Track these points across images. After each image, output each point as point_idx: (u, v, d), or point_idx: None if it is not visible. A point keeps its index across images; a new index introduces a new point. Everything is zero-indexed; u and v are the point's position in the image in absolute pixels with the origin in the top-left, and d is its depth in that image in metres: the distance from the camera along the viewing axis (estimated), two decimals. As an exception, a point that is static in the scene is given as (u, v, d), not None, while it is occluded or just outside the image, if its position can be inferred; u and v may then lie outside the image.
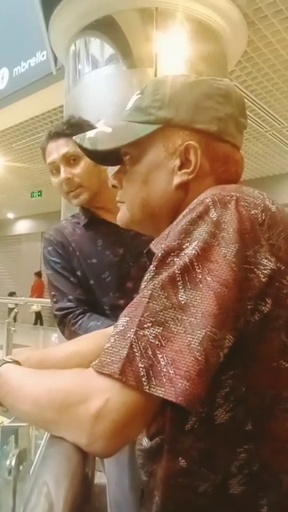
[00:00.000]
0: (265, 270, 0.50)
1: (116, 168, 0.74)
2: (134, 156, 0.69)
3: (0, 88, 4.29)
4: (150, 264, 0.53)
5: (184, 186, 0.66)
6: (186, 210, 0.56)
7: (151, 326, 0.47)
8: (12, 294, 10.84)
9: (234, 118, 0.67)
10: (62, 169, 1.22)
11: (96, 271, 1.23)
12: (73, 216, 1.36)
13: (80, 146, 0.72)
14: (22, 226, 13.02)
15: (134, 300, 0.51)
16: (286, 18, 3.10)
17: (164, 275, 0.50)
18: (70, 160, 1.21)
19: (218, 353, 0.47)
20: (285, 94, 4.33)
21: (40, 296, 10.24)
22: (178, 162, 0.65)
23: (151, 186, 0.68)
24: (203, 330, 0.46)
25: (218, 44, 2.84)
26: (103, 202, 1.25)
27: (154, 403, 0.47)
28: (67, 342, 1.05)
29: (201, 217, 0.53)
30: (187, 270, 0.49)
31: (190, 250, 0.50)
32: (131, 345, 0.47)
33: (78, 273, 1.24)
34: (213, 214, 0.52)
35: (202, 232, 0.51)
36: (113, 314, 1.19)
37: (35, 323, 10.66)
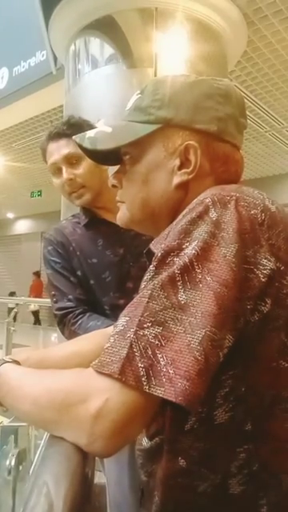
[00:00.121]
0: (264, 270, 0.50)
1: (116, 168, 0.74)
2: (134, 156, 0.69)
3: (0, 88, 4.29)
4: (150, 264, 0.53)
5: (184, 186, 0.66)
6: (186, 210, 0.56)
7: (151, 326, 0.47)
8: (12, 294, 10.84)
9: (234, 118, 0.67)
10: (64, 169, 1.22)
11: (96, 271, 1.23)
12: (73, 216, 1.36)
13: (80, 146, 0.72)
14: (22, 226, 13.02)
15: (134, 300, 0.51)
16: (286, 18, 3.11)
17: (164, 275, 0.50)
18: (71, 160, 1.21)
19: (217, 353, 0.47)
20: (285, 94, 4.33)
21: (38, 296, 10.24)
22: (177, 162, 0.65)
23: (151, 185, 0.68)
24: (203, 330, 0.46)
25: (218, 44, 2.84)
26: (104, 201, 1.25)
27: (154, 403, 0.47)
28: (67, 342, 1.05)
29: (200, 217, 0.53)
30: (187, 270, 0.49)
31: (190, 249, 0.50)
32: (131, 345, 0.47)
33: (78, 272, 1.24)
34: (212, 214, 0.52)
35: (201, 232, 0.51)
36: (113, 313, 1.19)
37: (35, 323, 10.67)
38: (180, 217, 0.56)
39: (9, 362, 0.69)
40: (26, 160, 6.99)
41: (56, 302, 1.23)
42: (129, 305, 0.51)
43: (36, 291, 10.85)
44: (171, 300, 0.48)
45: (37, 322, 10.44)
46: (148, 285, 0.51)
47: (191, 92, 0.66)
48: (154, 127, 0.66)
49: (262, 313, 0.50)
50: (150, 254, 0.59)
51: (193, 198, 0.59)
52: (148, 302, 0.49)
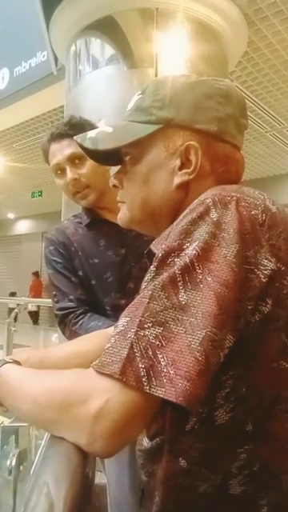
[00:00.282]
0: (265, 270, 0.50)
1: (117, 168, 0.74)
2: (135, 156, 0.69)
3: (0, 88, 4.29)
4: (151, 264, 0.53)
5: (184, 186, 0.66)
6: (187, 211, 0.56)
7: (152, 327, 0.47)
8: (13, 295, 10.85)
9: (235, 118, 0.67)
10: (68, 170, 1.21)
11: (98, 271, 1.23)
12: (75, 216, 1.36)
13: (81, 146, 0.72)
14: (23, 226, 13.02)
15: (135, 300, 0.51)
16: (287, 18, 3.10)
17: (164, 275, 0.50)
18: (75, 160, 1.21)
19: (218, 353, 0.47)
20: (285, 94, 4.33)
21: (36, 296, 10.25)
22: (178, 162, 0.65)
23: (151, 185, 0.68)
24: (203, 331, 0.46)
25: (219, 44, 2.84)
26: (106, 202, 1.25)
27: (154, 403, 0.47)
28: (67, 342, 1.05)
29: (201, 217, 0.53)
30: (188, 271, 0.49)
31: (191, 250, 0.50)
32: (132, 345, 0.47)
33: (80, 273, 1.24)
34: (213, 215, 0.52)
35: (202, 232, 0.51)
36: (114, 314, 1.19)
37: (35, 323, 10.68)
38: (181, 217, 0.56)
39: (9, 362, 0.69)
40: (27, 160, 6.99)
41: (57, 302, 1.23)
42: (129, 305, 0.51)
43: (35, 291, 10.87)
44: (172, 300, 0.48)
45: (34, 322, 10.44)
46: (149, 285, 0.51)
47: (192, 92, 0.66)
48: (154, 127, 0.66)
49: (262, 313, 0.50)
50: (151, 254, 0.59)
51: (193, 198, 0.59)
52: (149, 303, 0.49)
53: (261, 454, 0.53)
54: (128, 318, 0.49)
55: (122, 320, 0.50)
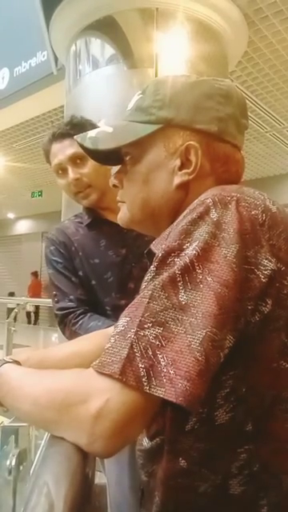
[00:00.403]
0: (265, 270, 0.50)
1: (118, 168, 0.74)
2: (135, 156, 0.69)
3: (1, 88, 4.29)
4: (151, 264, 0.53)
5: (184, 186, 0.66)
6: (187, 211, 0.56)
7: (151, 327, 0.47)
8: (12, 295, 10.85)
9: (235, 118, 0.67)
10: (70, 169, 1.22)
11: (98, 271, 1.23)
12: (75, 216, 1.36)
13: (81, 146, 0.72)
14: (23, 226, 13.03)
15: (135, 300, 0.51)
16: (287, 18, 3.11)
17: (164, 275, 0.50)
18: (76, 160, 1.21)
19: (218, 353, 0.47)
20: (285, 94, 4.33)
21: (34, 296, 10.25)
22: (178, 162, 0.65)
23: (151, 185, 0.68)
24: (203, 331, 0.46)
25: (219, 44, 2.84)
26: (108, 202, 1.25)
27: (154, 403, 0.47)
28: (67, 342, 1.05)
29: (201, 217, 0.53)
30: (188, 271, 0.49)
31: (191, 250, 0.50)
32: (131, 345, 0.47)
33: (80, 273, 1.24)
34: (213, 215, 0.52)
35: (202, 232, 0.51)
36: (114, 314, 1.19)
37: (35, 323, 10.68)
38: (181, 217, 0.56)
39: (9, 362, 0.69)
40: (27, 160, 6.99)
41: (57, 302, 1.23)
42: (129, 305, 0.51)
43: (33, 291, 10.88)
44: (172, 300, 0.48)
45: (29, 322, 10.42)
46: (149, 285, 0.51)
47: (192, 92, 0.66)
48: (154, 127, 0.66)
49: (262, 313, 0.50)
50: (151, 254, 0.59)
51: (193, 198, 0.59)
52: (149, 303, 0.49)
53: (261, 454, 0.53)
54: (128, 318, 0.49)
55: (122, 320, 0.50)
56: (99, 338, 0.89)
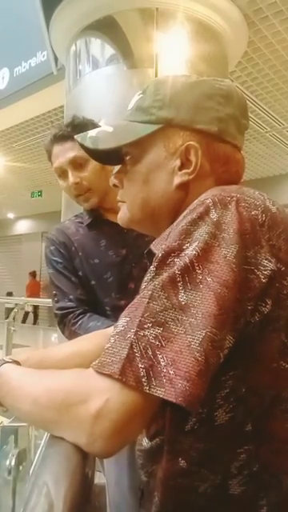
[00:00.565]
0: (265, 270, 0.50)
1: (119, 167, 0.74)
2: (135, 156, 0.69)
3: (0, 88, 4.29)
4: (151, 264, 0.53)
5: (184, 187, 0.66)
6: (187, 211, 0.56)
7: (151, 327, 0.47)
8: (10, 294, 10.85)
9: (235, 118, 0.67)
10: (70, 173, 1.22)
11: (98, 271, 1.23)
12: (76, 216, 1.36)
13: (81, 145, 0.72)
14: (22, 226, 13.03)
15: (135, 300, 0.51)
16: (287, 18, 3.11)
17: (164, 276, 0.50)
18: (77, 164, 1.21)
19: (218, 353, 0.47)
20: (285, 94, 4.33)
21: (32, 296, 10.26)
22: (178, 163, 0.65)
23: (151, 185, 0.68)
24: (203, 331, 0.46)
25: (219, 44, 2.84)
26: (111, 202, 1.25)
27: (154, 403, 0.47)
28: (67, 342, 1.05)
29: (201, 217, 0.53)
30: (187, 271, 0.49)
31: (191, 250, 0.50)
32: (131, 345, 0.47)
33: (80, 273, 1.24)
34: (213, 215, 0.52)
35: (202, 233, 0.51)
36: (114, 314, 1.19)
37: (34, 323, 10.68)
38: (181, 217, 0.56)
39: (9, 362, 0.69)
40: (27, 160, 6.99)
41: (57, 302, 1.23)
42: (129, 305, 0.51)
43: (31, 291, 10.88)
44: (172, 301, 0.48)
45: (25, 321, 10.40)
46: (148, 285, 0.51)
47: (192, 92, 0.66)
48: (154, 127, 0.66)
49: (262, 313, 0.50)
50: (151, 254, 0.59)
51: (193, 198, 0.59)
52: (148, 303, 0.49)
53: (260, 454, 0.53)
54: (128, 318, 0.49)
55: (122, 320, 0.50)
56: (99, 338, 0.89)
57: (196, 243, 0.50)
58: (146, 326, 0.48)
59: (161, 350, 0.46)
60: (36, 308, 10.33)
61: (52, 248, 1.27)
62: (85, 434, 0.47)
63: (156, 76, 2.52)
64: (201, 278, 0.49)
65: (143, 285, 0.52)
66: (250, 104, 4.42)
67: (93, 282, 1.23)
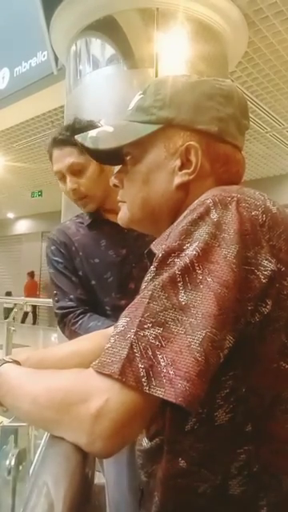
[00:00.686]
0: (265, 271, 0.50)
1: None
2: (136, 156, 0.69)
3: (1, 88, 4.29)
4: (151, 265, 0.53)
5: (184, 187, 0.66)
6: (187, 211, 0.56)
7: (151, 327, 0.47)
8: (9, 294, 10.86)
9: (236, 118, 0.67)
10: (68, 179, 1.23)
11: (98, 271, 1.24)
12: (77, 216, 1.37)
13: (82, 145, 0.72)
14: (23, 226, 13.03)
15: (135, 300, 0.51)
16: (287, 19, 3.11)
17: (164, 276, 0.50)
18: (75, 170, 1.22)
19: (218, 353, 0.47)
20: (285, 94, 4.33)
21: (30, 296, 10.27)
22: (178, 163, 0.65)
23: (152, 185, 0.68)
24: (203, 331, 0.46)
25: (219, 45, 2.84)
26: (111, 203, 1.25)
27: (154, 404, 0.47)
28: (67, 342, 1.05)
29: (201, 218, 0.53)
30: (188, 271, 0.49)
31: (191, 250, 0.50)
32: (131, 345, 0.47)
33: (80, 273, 1.25)
34: (213, 215, 0.52)
35: (202, 233, 0.51)
36: (114, 314, 1.19)
37: (33, 323, 10.68)
38: (181, 217, 0.56)
39: (9, 362, 0.69)
40: (27, 160, 6.99)
41: (57, 302, 1.24)
42: (129, 305, 0.51)
43: (29, 291, 10.89)
44: (172, 301, 0.48)
45: (22, 321, 10.41)
46: (149, 285, 0.51)
47: (192, 92, 0.66)
48: (155, 127, 0.66)
49: (262, 314, 0.50)
50: (151, 254, 0.59)
51: (193, 198, 0.59)
52: (148, 303, 0.49)
53: (260, 454, 0.53)
54: (128, 319, 0.49)
55: (122, 320, 0.50)
56: (99, 337, 0.89)
57: (196, 243, 0.50)
58: (146, 326, 0.48)
59: (161, 350, 0.46)
60: (35, 308, 10.34)
61: (53, 248, 1.28)
62: (85, 433, 0.47)
63: (156, 76, 2.52)
64: (201, 278, 0.49)
65: (143, 285, 0.52)
66: (250, 104, 4.42)
67: (93, 282, 1.24)
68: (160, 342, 0.47)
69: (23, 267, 12.01)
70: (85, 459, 0.49)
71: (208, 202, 0.54)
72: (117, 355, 0.47)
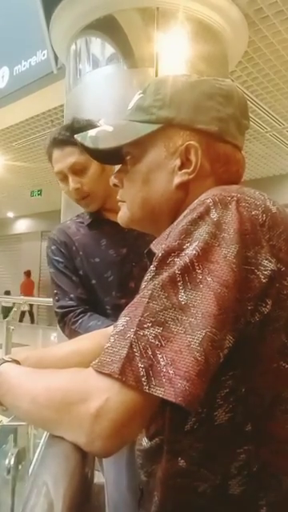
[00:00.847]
0: (265, 270, 0.50)
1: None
2: (135, 155, 0.69)
3: (0, 87, 4.29)
4: (151, 264, 0.53)
5: (184, 186, 0.66)
6: (187, 211, 0.56)
7: (151, 326, 0.47)
8: (7, 293, 10.86)
9: (236, 118, 0.67)
10: (70, 178, 1.23)
11: (98, 270, 1.24)
12: (77, 216, 1.37)
13: (81, 145, 0.72)
14: (22, 225, 13.03)
15: (134, 300, 0.51)
16: (287, 18, 3.10)
17: (164, 275, 0.50)
18: (77, 169, 1.22)
19: (217, 353, 0.47)
20: (285, 94, 4.33)
21: (26, 295, 10.28)
22: (178, 162, 0.65)
23: (152, 185, 0.68)
24: (203, 331, 0.46)
25: (219, 44, 2.84)
26: (112, 203, 1.25)
27: (153, 403, 0.47)
28: (67, 342, 1.05)
29: (201, 217, 0.53)
30: (187, 271, 0.49)
31: (191, 250, 0.50)
32: (131, 345, 0.47)
33: (81, 272, 1.25)
34: (213, 215, 0.52)
35: (202, 232, 0.51)
36: (114, 313, 1.19)
37: (31, 322, 10.69)
38: (181, 217, 0.56)
39: (8, 361, 0.69)
40: (27, 159, 6.99)
41: (58, 301, 1.24)
42: (129, 305, 0.51)
43: (25, 290, 10.90)
44: (171, 300, 0.48)
45: (20, 320, 10.41)
46: (148, 285, 0.51)
47: (192, 92, 0.66)
48: (155, 127, 0.66)
49: (262, 314, 0.50)
50: (151, 254, 0.59)
51: (193, 198, 0.59)
52: (148, 302, 0.49)
53: (260, 454, 0.53)
54: (127, 318, 0.49)
55: (122, 320, 0.50)
56: (99, 337, 0.89)
57: (196, 243, 0.50)
58: (145, 326, 0.47)
59: (160, 350, 0.46)
60: (31, 307, 10.35)
61: (53, 247, 1.28)
62: (84, 433, 0.47)
63: (156, 75, 2.52)
64: (201, 277, 0.49)
65: (143, 284, 0.52)
66: (250, 104, 4.42)
67: (93, 281, 1.24)
68: (160, 341, 0.46)
69: (22, 266, 12.01)
70: (84, 459, 0.49)
71: (208, 201, 0.54)
72: (116, 355, 0.47)
